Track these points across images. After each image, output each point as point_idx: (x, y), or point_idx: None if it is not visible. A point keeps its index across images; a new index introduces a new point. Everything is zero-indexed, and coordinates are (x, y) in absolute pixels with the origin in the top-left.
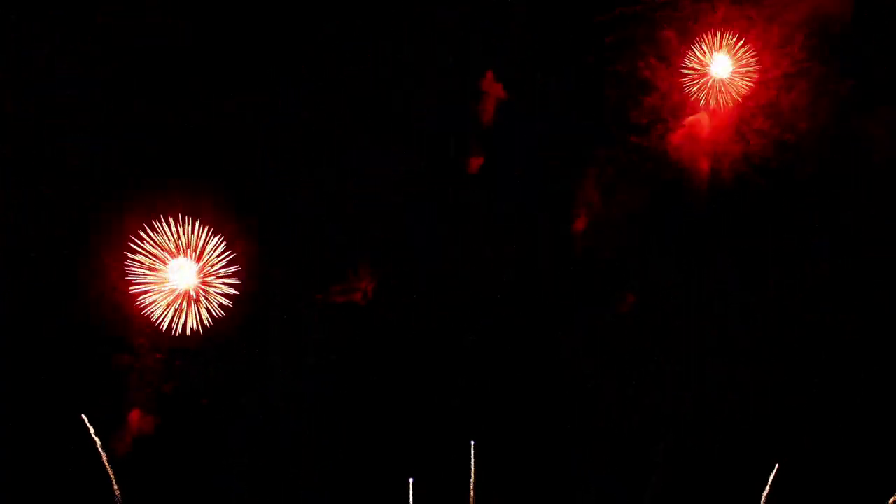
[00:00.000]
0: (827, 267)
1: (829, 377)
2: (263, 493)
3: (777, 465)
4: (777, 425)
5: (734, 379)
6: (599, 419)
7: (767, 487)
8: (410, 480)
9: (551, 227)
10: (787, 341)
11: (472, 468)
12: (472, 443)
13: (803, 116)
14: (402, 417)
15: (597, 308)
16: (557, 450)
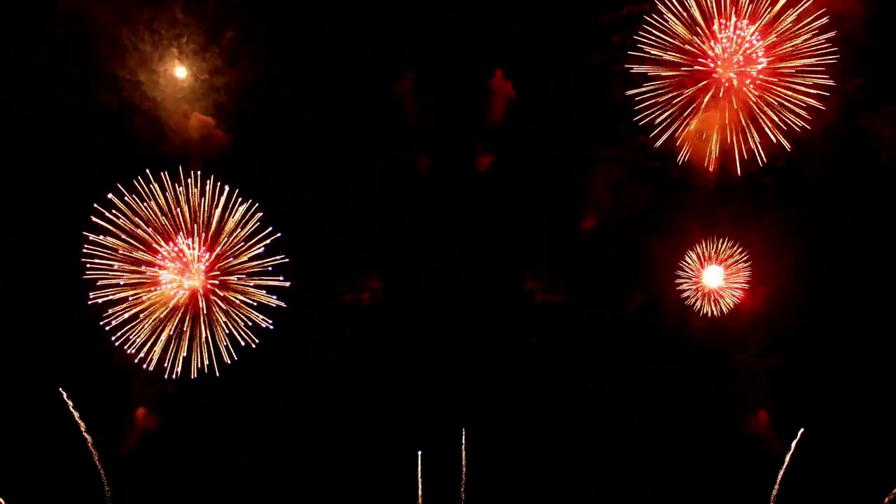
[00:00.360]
0: (827, 267)
1: (829, 377)
2: (263, 492)
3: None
4: (777, 425)
5: (734, 379)
6: (599, 419)
7: (776, 486)
8: (419, 453)
9: (552, 227)
10: (787, 341)
11: (464, 456)
12: (463, 429)
13: (810, 114)
14: (401, 417)
15: (597, 308)
16: (557, 450)
